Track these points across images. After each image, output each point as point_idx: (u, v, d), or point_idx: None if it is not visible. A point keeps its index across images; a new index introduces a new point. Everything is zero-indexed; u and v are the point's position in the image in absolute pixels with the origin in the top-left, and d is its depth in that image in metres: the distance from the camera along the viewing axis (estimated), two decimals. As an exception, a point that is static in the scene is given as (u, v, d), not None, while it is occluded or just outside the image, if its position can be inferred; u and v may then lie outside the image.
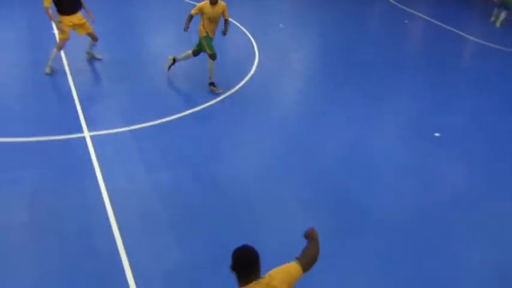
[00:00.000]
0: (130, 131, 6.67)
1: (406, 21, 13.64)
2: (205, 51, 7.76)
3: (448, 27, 13.00)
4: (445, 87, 9.16)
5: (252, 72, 8.96)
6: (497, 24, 13.55)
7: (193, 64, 8.67)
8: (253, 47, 10.17)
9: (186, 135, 6.78)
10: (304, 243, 3.09)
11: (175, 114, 7.20)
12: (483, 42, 12.23)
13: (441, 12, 14.50)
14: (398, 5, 15.03)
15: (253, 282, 2.65)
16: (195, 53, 8.03)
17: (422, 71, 10.08)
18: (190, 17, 7.64)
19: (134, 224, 5.02)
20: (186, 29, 7.67)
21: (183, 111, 7.31)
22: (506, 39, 12.53)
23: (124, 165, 5.94)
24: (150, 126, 6.86)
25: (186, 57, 8.19)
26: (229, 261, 2.77)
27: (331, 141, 7.02)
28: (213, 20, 7.59)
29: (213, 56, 7.69)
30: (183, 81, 8.44)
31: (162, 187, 5.64)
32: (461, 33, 12.70)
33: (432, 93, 8.90)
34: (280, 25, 11.90)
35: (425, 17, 14.02)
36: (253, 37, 10.61)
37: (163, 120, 7.02)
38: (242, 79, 8.59)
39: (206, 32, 7.66)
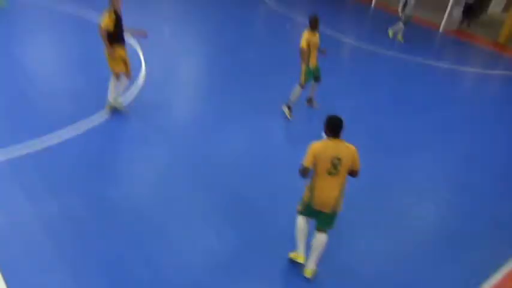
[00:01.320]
0: (2, 154, 5.94)
1: (287, 25, 14.27)
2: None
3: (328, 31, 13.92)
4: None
5: (140, 83, 8.58)
6: (400, 38, 14.05)
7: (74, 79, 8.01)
8: (139, 55, 9.75)
9: (72, 156, 6.24)
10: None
11: (54, 132, 6.57)
12: (357, 44, 13.32)
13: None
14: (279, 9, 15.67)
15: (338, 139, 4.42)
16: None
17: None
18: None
19: (19, 263, 4.47)
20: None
21: (64, 129, 6.70)
22: (382, 42, 13.76)
23: (2, 198, 5.26)
24: (27, 147, 6.16)
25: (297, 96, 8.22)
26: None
27: (223, 150, 7.04)
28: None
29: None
30: (59, 98, 7.76)
31: (50, 219, 5.11)
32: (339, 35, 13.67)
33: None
34: (165, 31, 11.61)
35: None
36: (138, 44, 10.17)
37: (42, 140, 6.36)
38: (131, 92, 8.18)
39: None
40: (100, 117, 7.21)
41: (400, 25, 13.93)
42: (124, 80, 7.29)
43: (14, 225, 4.95)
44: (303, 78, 7.98)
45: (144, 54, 9.76)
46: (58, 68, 8.97)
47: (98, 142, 6.69)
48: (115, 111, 7.36)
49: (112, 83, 7.17)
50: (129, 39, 9.81)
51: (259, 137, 7.59)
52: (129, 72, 7.26)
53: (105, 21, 6.65)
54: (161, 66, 9.55)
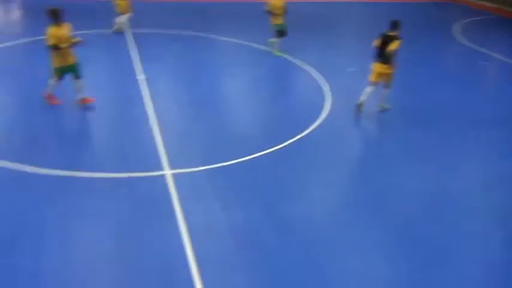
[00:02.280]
0: (207, 169, 6.96)
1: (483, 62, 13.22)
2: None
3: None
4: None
5: (323, 115, 9.06)
6: None
7: (269, 106, 8.96)
8: (322, 90, 10.32)
9: (259, 175, 6.94)
10: None
11: (250, 154, 7.42)
12: None
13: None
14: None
15: None
16: None
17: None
18: None
19: (211, 262, 5.15)
20: None
21: (257, 153, 7.52)
22: None
23: (201, 204, 6.16)
24: (226, 165, 7.10)
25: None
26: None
27: (408, 184, 6.87)
28: None
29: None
30: (254, 124, 8.72)
31: (237, 226, 5.77)
32: None
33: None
34: (350, 69, 12.01)
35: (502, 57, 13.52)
36: (323, 81, 10.78)
37: (239, 160, 7.26)
38: (313, 122, 8.71)
39: None
40: (285, 143, 7.88)
41: None
42: None
43: (210, 228, 5.73)
44: None
45: (329, 90, 10.28)
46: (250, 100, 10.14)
47: (286, 163, 7.30)
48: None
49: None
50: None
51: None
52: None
53: None
54: (344, 102, 9.88)
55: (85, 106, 8.39)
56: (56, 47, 7.83)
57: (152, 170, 6.81)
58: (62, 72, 8.18)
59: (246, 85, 10.82)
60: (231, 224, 5.79)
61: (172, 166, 6.94)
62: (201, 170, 6.93)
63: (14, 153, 6.98)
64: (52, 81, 8.31)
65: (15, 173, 6.54)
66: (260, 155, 7.48)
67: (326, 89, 10.35)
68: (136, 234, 5.52)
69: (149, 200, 6.18)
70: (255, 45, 13.35)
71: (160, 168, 6.89)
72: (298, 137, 8.10)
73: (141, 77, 10.38)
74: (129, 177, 6.62)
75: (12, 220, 5.58)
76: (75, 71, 8.25)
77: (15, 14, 16.68)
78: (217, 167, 7.05)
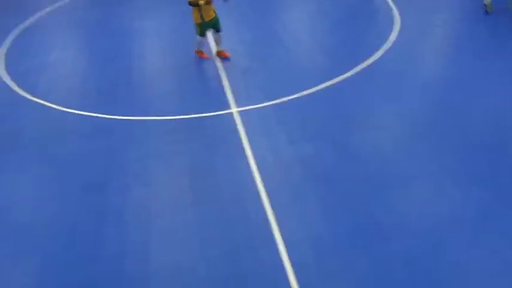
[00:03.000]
0: (272, 105, 6.99)
1: None
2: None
3: None
4: None
5: (392, 39, 8.54)
6: None
7: (330, 36, 8.60)
8: (391, 10, 9.64)
9: (325, 107, 6.85)
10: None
11: (316, 86, 7.31)
12: None
13: None
14: None
15: None
16: None
17: None
18: None
19: (281, 193, 5.33)
20: None
21: (321, 84, 7.37)
22: None
23: (268, 138, 6.28)
24: (290, 99, 7.08)
25: None
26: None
27: (482, 109, 6.41)
28: None
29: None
30: (318, 55, 8.46)
31: (305, 158, 5.84)
32: None
33: None
34: None
35: None
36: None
37: (304, 93, 7.19)
38: (380, 47, 8.26)
39: None
40: (350, 73, 7.61)
41: None
42: None
43: (278, 161, 5.86)
44: None
45: (398, 11, 9.59)
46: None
47: (348, 95, 7.10)
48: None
49: None
50: None
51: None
52: None
53: None
54: (416, 25, 9.18)
55: (222, 57, 8.53)
56: (194, 4, 7.94)
57: (220, 109, 6.99)
58: (203, 27, 8.24)
59: (310, 14, 10.40)
60: (298, 157, 5.87)
61: (239, 104, 7.06)
62: (266, 106, 6.98)
63: (91, 104, 7.49)
64: (197, 38, 8.41)
65: (95, 120, 7.05)
66: (326, 86, 7.34)
67: (395, 12, 9.65)
68: (209, 169, 5.81)
69: (219, 137, 6.41)
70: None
71: (227, 106, 7.04)
72: (365, 64, 7.77)
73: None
74: (199, 117, 6.87)
75: (100, 164, 6.10)
76: (215, 25, 8.34)
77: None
78: (283, 102, 7.05)
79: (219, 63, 8.33)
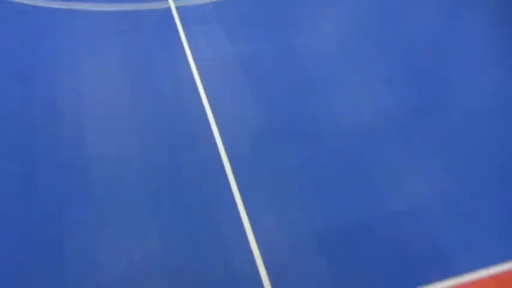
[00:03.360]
0: (213, 1, 6.74)
1: None
2: None
3: None
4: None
5: None
6: None
7: None
8: None
9: (265, 6, 6.73)
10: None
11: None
12: None
13: None
14: None
15: None
16: None
17: None
18: None
19: (219, 89, 5.35)
20: None
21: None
22: None
23: (208, 37, 6.12)
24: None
25: None
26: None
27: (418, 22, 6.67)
28: None
29: None
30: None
31: (244, 57, 5.83)
32: None
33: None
34: None
35: None
36: None
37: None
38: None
39: None
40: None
41: None
42: None
43: (216, 59, 5.80)
44: None
45: None
46: None
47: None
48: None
49: None
50: None
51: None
52: None
53: None
54: None
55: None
56: None
57: (156, 1, 6.61)
58: None
59: None
60: (239, 57, 5.84)
61: (177, -2, 6.73)
62: (206, 3, 6.71)
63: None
64: None
65: (19, 5, 6.39)
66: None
67: None
68: (146, 64, 5.64)
69: (155, 31, 6.15)
70: None
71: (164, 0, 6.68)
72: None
73: None
74: (134, 10, 6.48)
75: (23, 54, 5.65)
76: None
77: None
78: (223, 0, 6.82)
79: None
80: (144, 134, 4.80)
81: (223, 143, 4.75)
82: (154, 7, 6.56)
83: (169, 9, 6.52)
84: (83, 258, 3.78)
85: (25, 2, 6.43)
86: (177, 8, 6.54)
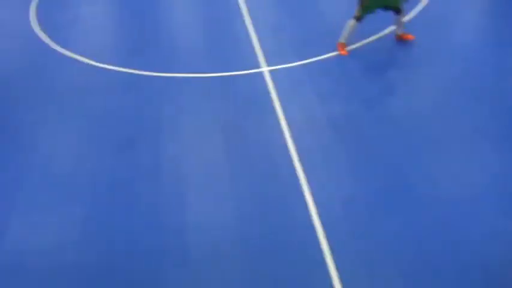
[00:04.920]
0: (304, 64, 6.91)
1: None
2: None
3: None
4: None
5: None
6: None
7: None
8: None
9: (358, 68, 6.74)
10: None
11: (348, 45, 7.16)
12: None
13: None
14: None
15: None
16: None
17: None
18: None
19: (311, 152, 5.36)
20: None
21: (356, 43, 7.22)
22: None
23: (300, 98, 6.25)
24: (323, 58, 6.98)
25: None
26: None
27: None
28: None
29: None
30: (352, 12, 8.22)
31: (337, 118, 5.83)
32: None
33: None
34: None
35: None
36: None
37: (335, 52, 7.06)
38: (414, 7, 7.98)
39: None
40: (388, 30, 7.41)
41: None
42: None
43: (309, 121, 5.87)
44: None
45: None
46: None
47: (384, 55, 6.96)
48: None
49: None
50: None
51: None
52: None
53: None
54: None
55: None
56: None
57: (250, 68, 6.95)
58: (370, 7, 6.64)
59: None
60: (329, 117, 5.85)
61: (269, 62, 7.00)
62: (297, 65, 6.91)
63: (121, 59, 7.52)
64: (351, 22, 6.80)
65: (125, 76, 7.10)
66: (361, 45, 7.18)
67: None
68: (240, 128, 5.85)
69: (249, 96, 6.40)
70: None
71: (257, 65, 6.99)
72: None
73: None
74: (229, 76, 6.86)
75: (130, 121, 6.18)
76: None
77: None
78: (315, 61, 6.96)
79: (247, 19, 8.19)
80: (239, 200, 4.91)
81: (317, 209, 4.68)
82: (248, 72, 6.89)
83: (262, 73, 6.81)
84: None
85: (130, 71, 7.12)
86: (270, 72, 6.80)
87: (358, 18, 6.62)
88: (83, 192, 5.12)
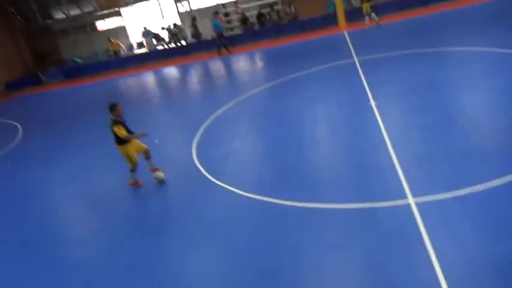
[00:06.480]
0: (455, 196, 6.34)
1: None
2: None
3: None
4: None
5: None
6: None
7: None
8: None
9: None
10: None
11: (500, 177, 6.47)
12: None
13: None
14: None
15: None
16: None
17: None
18: None
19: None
20: None
21: (507, 175, 6.49)
22: None
23: (454, 236, 5.60)
24: (477, 190, 6.34)
25: None
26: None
27: None
28: None
29: None
30: (501, 139, 7.57)
31: (501, 262, 5.02)
32: None
33: None
34: None
35: None
36: None
37: (491, 183, 6.39)
38: None
39: None
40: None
41: None
42: None
43: (465, 263, 5.17)
44: None
45: None
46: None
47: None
48: None
49: None
50: None
51: None
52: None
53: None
54: None
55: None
56: None
57: (394, 199, 6.62)
58: None
59: (491, 92, 9.59)
60: (491, 260, 5.07)
61: (416, 193, 6.60)
62: (448, 197, 6.37)
63: (266, 189, 7.89)
64: None
65: (270, 206, 7.34)
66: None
67: None
68: (385, 266, 5.41)
69: (394, 231, 5.98)
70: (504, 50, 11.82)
71: (402, 196, 6.63)
72: None
73: (372, 103, 10.45)
74: (371, 208, 6.60)
75: (273, 250, 6.21)
76: None
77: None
78: (469, 193, 6.35)
79: (391, 150, 8.07)
80: None
81: None
82: (394, 204, 6.55)
83: (408, 205, 6.42)
84: None
85: (274, 201, 7.34)
86: (417, 204, 6.38)
87: None
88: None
